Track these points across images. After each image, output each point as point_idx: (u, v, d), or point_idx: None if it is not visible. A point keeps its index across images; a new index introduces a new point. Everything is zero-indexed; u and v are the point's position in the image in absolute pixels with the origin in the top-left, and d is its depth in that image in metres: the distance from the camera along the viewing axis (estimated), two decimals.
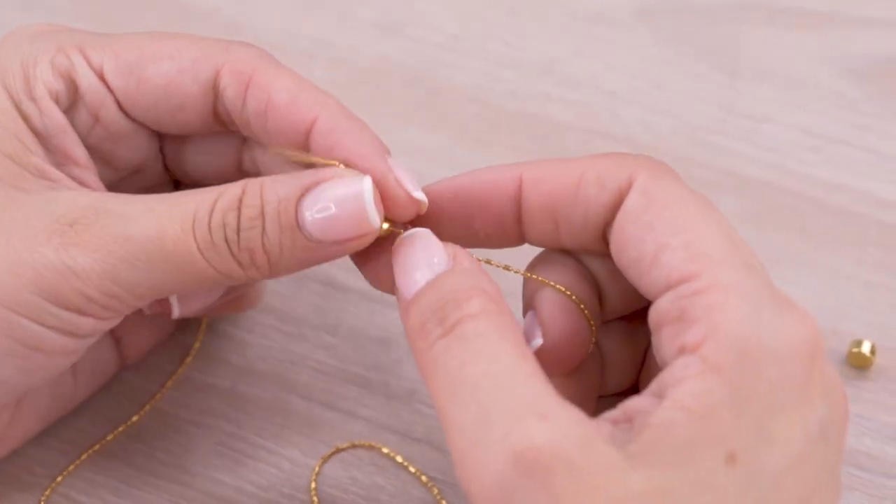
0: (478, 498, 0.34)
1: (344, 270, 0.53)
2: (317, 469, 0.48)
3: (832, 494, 0.36)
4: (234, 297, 0.48)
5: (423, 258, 0.39)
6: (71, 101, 0.43)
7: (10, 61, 0.42)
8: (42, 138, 0.42)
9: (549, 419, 0.34)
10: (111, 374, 0.49)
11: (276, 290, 0.53)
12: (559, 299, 0.41)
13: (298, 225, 0.39)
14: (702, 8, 0.64)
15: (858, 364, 0.51)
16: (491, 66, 0.62)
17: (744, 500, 0.34)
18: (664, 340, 0.36)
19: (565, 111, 0.60)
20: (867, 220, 0.56)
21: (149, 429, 0.49)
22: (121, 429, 0.49)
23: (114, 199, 0.41)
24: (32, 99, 0.42)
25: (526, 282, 0.42)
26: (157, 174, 0.47)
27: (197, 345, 0.51)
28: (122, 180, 0.46)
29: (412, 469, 0.48)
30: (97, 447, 0.48)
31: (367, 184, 0.40)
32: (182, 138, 0.46)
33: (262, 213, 0.39)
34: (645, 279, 0.37)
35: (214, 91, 0.43)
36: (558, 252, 0.42)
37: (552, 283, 0.41)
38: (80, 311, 0.40)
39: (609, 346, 0.43)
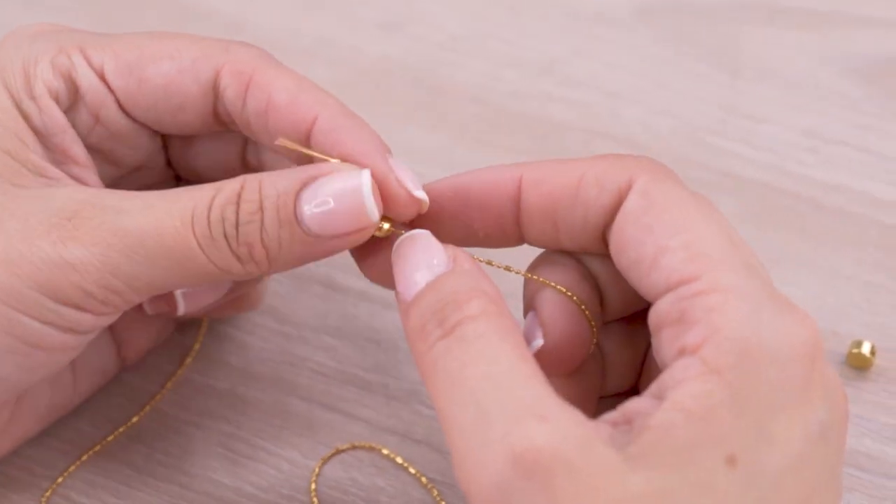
0: (477, 499, 0.34)
1: (344, 272, 0.53)
2: (317, 470, 0.48)
3: (832, 495, 0.36)
4: (236, 298, 0.48)
5: (423, 260, 0.39)
6: (71, 100, 0.43)
7: (10, 60, 0.43)
8: (41, 137, 0.42)
9: (548, 420, 0.34)
10: (111, 375, 0.49)
11: (276, 292, 0.53)
12: (560, 300, 0.41)
13: (297, 219, 0.39)
14: (702, 8, 0.64)
15: (858, 365, 0.51)
16: (491, 65, 0.62)
17: (744, 502, 0.34)
18: (664, 342, 0.36)
19: (565, 111, 0.60)
20: (867, 221, 0.56)
21: (149, 430, 0.49)
22: (121, 430, 0.49)
23: (112, 194, 0.41)
24: (32, 98, 0.42)
25: (527, 282, 0.42)
26: (159, 171, 0.47)
27: (197, 346, 0.51)
28: (124, 178, 0.46)
29: (412, 470, 0.48)
30: (97, 448, 0.48)
31: (365, 178, 0.40)
32: (186, 137, 0.46)
33: (261, 208, 0.39)
34: (645, 281, 0.37)
35: (214, 91, 0.43)
36: (559, 253, 0.42)
37: (553, 284, 0.41)
38: (79, 307, 0.40)
39: (610, 347, 0.43)
